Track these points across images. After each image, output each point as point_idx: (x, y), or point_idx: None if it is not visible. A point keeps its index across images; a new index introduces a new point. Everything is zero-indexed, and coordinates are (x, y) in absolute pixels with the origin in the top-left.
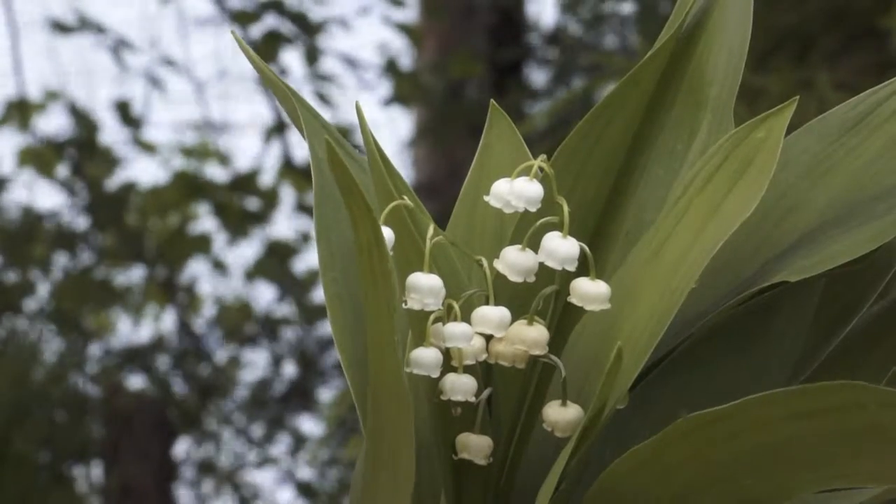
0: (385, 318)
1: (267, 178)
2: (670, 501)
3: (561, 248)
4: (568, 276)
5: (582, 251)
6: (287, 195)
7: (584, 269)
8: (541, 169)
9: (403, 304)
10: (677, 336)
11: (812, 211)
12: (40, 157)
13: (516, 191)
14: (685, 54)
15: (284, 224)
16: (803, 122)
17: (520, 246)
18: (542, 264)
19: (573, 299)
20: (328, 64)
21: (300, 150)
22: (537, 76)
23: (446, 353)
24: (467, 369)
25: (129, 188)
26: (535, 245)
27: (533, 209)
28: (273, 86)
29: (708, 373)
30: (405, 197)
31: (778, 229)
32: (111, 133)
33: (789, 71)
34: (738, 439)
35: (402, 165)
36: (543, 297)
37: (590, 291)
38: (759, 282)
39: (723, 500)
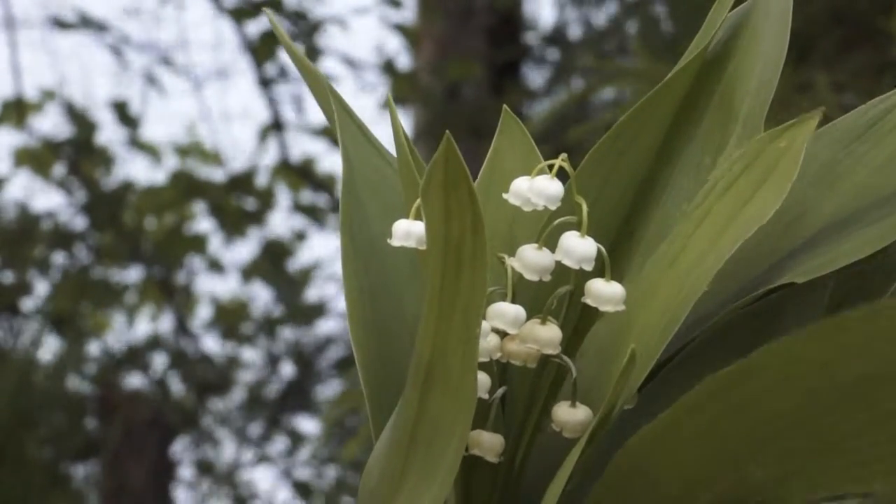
0: (467, 313)
1: (262, 179)
2: (681, 488)
3: (579, 247)
4: (585, 278)
5: (599, 253)
6: (283, 195)
7: (601, 273)
8: (561, 168)
9: None
10: (684, 337)
11: (820, 218)
12: (37, 157)
13: (536, 188)
14: (718, 67)
15: (280, 224)
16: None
17: (536, 245)
18: (559, 267)
19: (587, 299)
20: (326, 64)
21: (295, 149)
22: (535, 76)
23: None
24: (481, 366)
25: (126, 188)
26: (550, 246)
27: (553, 207)
28: (308, 75)
29: (714, 374)
30: None
31: (787, 236)
32: (108, 132)
33: (789, 72)
34: (751, 406)
35: None
36: (557, 296)
37: (604, 292)
38: (766, 284)
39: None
